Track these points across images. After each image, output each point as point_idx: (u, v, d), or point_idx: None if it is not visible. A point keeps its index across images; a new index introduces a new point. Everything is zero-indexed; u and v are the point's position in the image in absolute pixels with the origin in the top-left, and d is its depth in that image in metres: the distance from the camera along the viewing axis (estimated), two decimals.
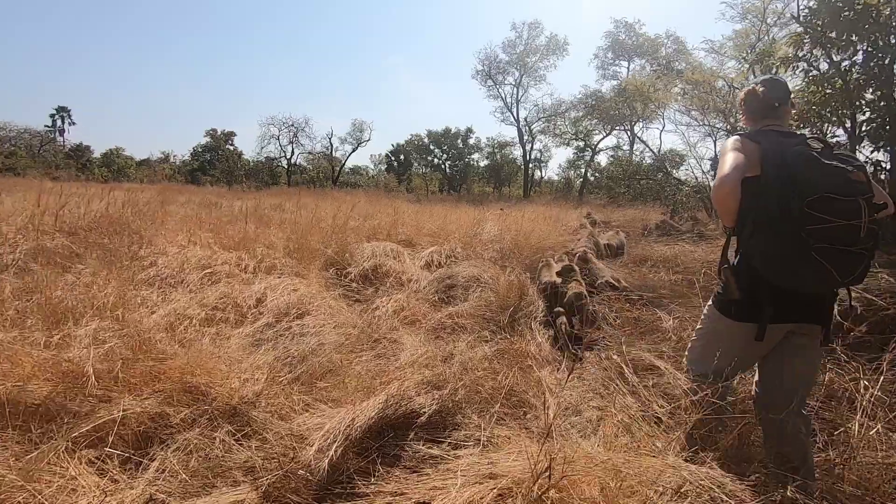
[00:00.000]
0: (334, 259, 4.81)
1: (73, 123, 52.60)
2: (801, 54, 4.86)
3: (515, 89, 36.74)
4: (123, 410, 1.76)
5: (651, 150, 25.41)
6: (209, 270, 3.95)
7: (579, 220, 10.94)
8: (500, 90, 37.07)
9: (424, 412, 1.94)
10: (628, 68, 32.25)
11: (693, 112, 13.49)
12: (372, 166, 51.74)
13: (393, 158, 47.39)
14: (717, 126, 12.33)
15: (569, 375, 2.34)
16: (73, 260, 3.92)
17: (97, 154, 47.90)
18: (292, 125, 43.65)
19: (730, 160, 1.58)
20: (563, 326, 3.50)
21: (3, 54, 75.34)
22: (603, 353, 3.19)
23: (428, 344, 2.98)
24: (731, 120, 9.56)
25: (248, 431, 1.89)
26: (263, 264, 4.40)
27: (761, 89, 1.75)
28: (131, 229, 4.89)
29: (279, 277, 3.94)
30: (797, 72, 5.03)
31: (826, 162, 1.47)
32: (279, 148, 43.62)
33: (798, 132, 1.84)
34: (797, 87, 5.46)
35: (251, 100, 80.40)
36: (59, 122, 51.73)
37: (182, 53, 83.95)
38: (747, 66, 5.28)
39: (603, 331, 3.67)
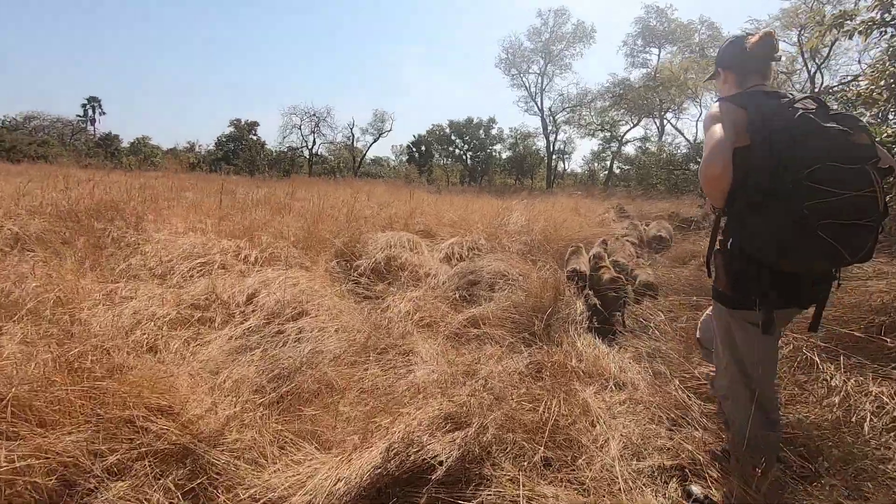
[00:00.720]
0: (344, 250, 4.31)
1: (104, 113, 53.61)
2: (889, 18, 4.13)
3: (540, 78, 35.72)
4: (26, 457, 1.28)
5: (686, 138, 24.21)
6: (202, 260, 3.50)
7: (609, 211, 10.21)
8: (524, 79, 36.10)
9: (441, 462, 1.41)
10: (659, 55, 30.91)
11: None
12: (393, 157, 51.50)
13: (414, 149, 46.93)
14: None
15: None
16: (60, 245, 3.52)
17: (126, 144, 48.95)
18: (314, 115, 43.73)
19: (717, 133, 1.38)
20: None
21: (38, 45, 77.29)
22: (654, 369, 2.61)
23: (447, 354, 2.45)
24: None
25: (202, 482, 1.39)
26: (266, 254, 3.93)
27: (753, 40, 1.53)
28: (125, 213, 4.47)
29: (280, 269, 3.46)
30: (883, 38, 4.28)
31: (825, 125, 1.27)
32: (301, 137, 43.74)
33: (788, 94, 1.49)
34: (876, 59, 4.70)
35: (275, 91, 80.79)
36: (90, 112, 52.83)
37: (207, 45, 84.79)
38: (818, 33, 4.50)
39: (651, 339, 3.09)
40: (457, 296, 3.56)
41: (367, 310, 3.14)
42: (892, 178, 1.35)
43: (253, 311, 2.72)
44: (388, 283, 3.79)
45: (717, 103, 1.49)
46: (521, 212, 6.16)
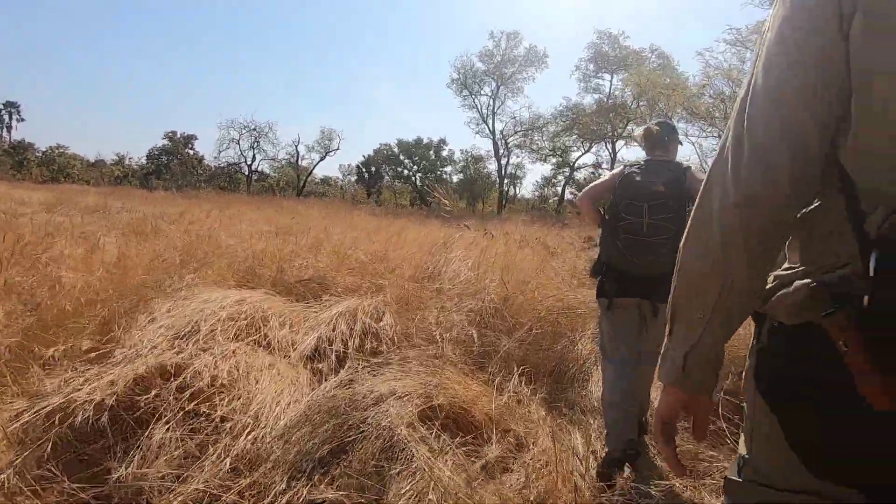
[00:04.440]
0: (92, 345, 1.99)
1: (22, 119, 47.83)
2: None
3: (492, 100, 34.70)
4: None
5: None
6: None
7: (577, 245, 8.35)
8: (475, 100, 34.96)
9: None
10: (611, 81, 30.63)
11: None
12: (341, 177, 49.04)
13: (364, 170, 44.66)
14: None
15: None
16: None
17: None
18: (254, 129, 40.79)
19: (599, 180, 2.18)
20: None
21: None
22: None
23: None
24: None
25: None
26: None
27: (655, 128, 2.10)
28: None
29: None
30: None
31: (638, 180, 1.95)
32: (239, 153, 40.51)
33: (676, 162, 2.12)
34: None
35: (214, 104, 76.24)
36: (6, 118, 47.00)
37: (147, 52, 79.15)
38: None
39: None
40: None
41: None
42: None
43: None
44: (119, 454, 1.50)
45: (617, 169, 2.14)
46: (465, 251, 4.01)
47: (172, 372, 1.77)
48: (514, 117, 35.12)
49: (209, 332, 2.08)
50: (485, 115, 34.68)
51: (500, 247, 4.63)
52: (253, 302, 2.55)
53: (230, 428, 1.63)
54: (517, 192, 42.30)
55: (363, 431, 1.53)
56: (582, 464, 1.89)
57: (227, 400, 1.75)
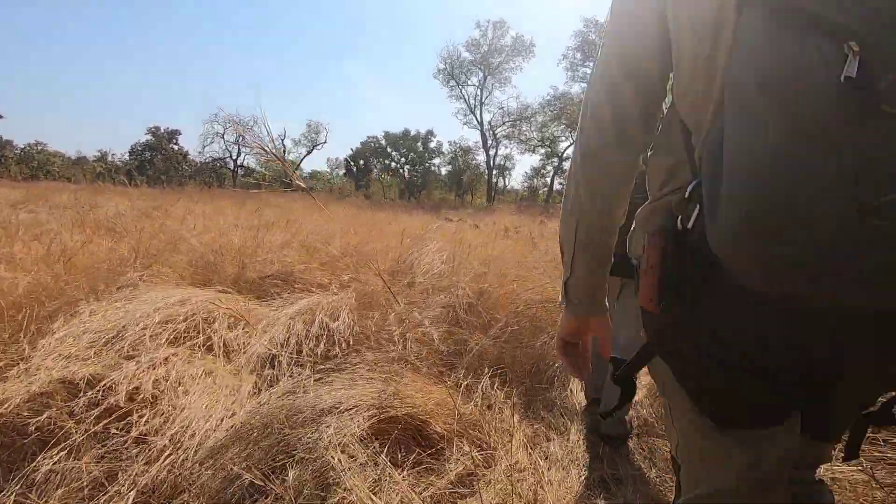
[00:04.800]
0: None
1: (1, 116, 46.42)
2: None
3: (479, 91, 34.35)
4: None
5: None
6: None
7: None
8: (462, 91, 34.59)
9: None
10: None
11: None
12: (328, 170, 48.48)
13: (352, 163, 44.09)
14: None
15: None
16: None
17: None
18: (239, 122, 40.06)
19: None
20: None
21: None
22: None
23: None
24: None
25: None
26: None
27: None
28: None
29: None
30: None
31: None
32: (224, 147, 39.86)
33: None
34: None
35: (198, 98, 74.84)
36: None
37: (131, 46, 77.27)
38: None
39: None
40: None
41: None
42: None
43: None
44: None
45: None
46: (441, 243, 3.77)
47: (83, 386, 1.53)
48: (502, 108, 34.88)
49: (138, 338, 1.83)
50: (472, 106, 34.39)
51: (479, 237, 4.40)
52: (199, 301, 2.29)
53: (147, 451, 1.40)
54: (506, 183, 42.09)
55: (295, 455, 1.30)
56: (558, 474, 1.69)
57: (148, 417, 1.51)
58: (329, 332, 2.12)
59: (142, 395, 1.56)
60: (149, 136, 45.18)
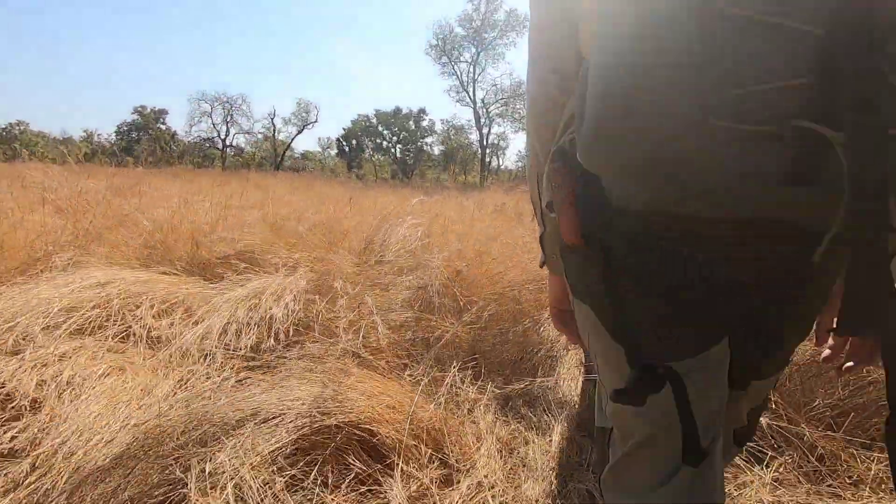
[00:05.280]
0: None
1: None
2: None
3: (472, 67, 33.50)
4: None
5: None
6: None
7: None
8: (455, 67, 33.71)
9: None
10: None
11: None
12: (320, 150, 47.67)
13: (344, 143, 43.25)
14: None
15: None
16: None
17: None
18: (227, 101, 39.22)
19: None
20: None
21: None
22: None
23: None
24: None
25: None
26: None
27: None
28: None
29: None
30: None
31: None
32: (212, 126, 38.97)
33: None
34: None
35: (185, 77, 72.89)
36: None
37: (111, 22, 74.65)
38: None
39: None
40: None
41: None
42: None
43: None
44: None
45: None
46: (420, 219, 3.43)
47: None
48: (496, 84, 34.11)
49: (28, 329, 1.50)
50: (465, 83, 33.58)
51: (462, 214, 4.07)
52: (125, 285, 1.97)
53: (8, 473, 1.08)
54: (500, 163, 41.51)
55: (189, 485, 1.00)
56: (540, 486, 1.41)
57: (21, 427, 1.19)
58: (272, 321, 1.80)
59: (16, 402, 1.24)
60: (135, 116, 44.12)
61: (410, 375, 1.62)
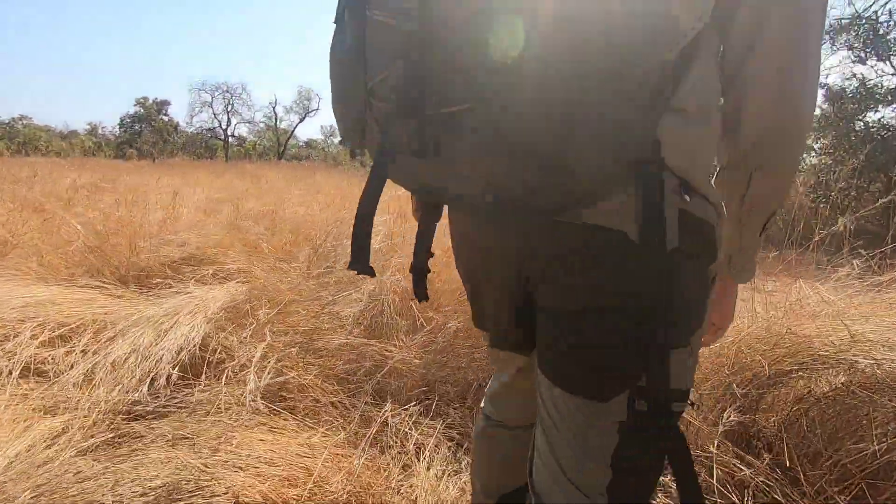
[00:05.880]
0: None
1: None
2: None
3: None
4: None
5: None
6: None
7: None
8: None
9: None
10: None
11: None
12: (323, 138, 47.29)
13: None
14: None
15: None
16: None
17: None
18: (227, 90, 38.90)
19: None
20: None
21: None
22: None
23: None
24: None
25: None
26: None
27: None
28: None
29: None
30: None
31: None
32: (213, 116, 38.71)
33: None
34: None
35: (186, 68, 72.35)
36: None
37: (111, 14, 74.12)
38: None
39: None
40: None
41: None
42: None
43: None
44: None
45: None
46: (386, 216, 3.08)
47: None
48: None
49: None
50: None
51: None
52: (15, 305, 1.67)
53: None
54: None
55: None
56: None
57: None
58: (162, 356, 1.49)
59: None
60: (138, 108, 43.94)
61: (329, 422, 1.31)
